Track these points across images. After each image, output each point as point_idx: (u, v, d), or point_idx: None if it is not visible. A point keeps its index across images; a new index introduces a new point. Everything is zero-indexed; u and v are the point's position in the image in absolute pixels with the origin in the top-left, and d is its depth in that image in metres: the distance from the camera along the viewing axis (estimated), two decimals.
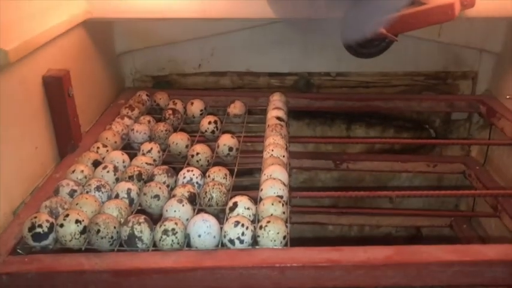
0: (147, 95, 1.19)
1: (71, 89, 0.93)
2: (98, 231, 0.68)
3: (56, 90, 0.90)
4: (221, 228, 0.69)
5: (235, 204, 0.72)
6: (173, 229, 0.68)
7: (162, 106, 1.17)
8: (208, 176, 0.83)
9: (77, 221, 0.70)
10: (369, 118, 1.38)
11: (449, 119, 1.37)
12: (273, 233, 0.67)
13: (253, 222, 0.71)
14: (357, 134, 1.39)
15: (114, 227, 0.69)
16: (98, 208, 0.74)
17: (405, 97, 1.26)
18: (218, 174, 0.82)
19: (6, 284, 0.65)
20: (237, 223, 0.67)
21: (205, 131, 1.04)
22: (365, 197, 0.93)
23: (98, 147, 0.92)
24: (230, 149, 0.94)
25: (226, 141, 0.95)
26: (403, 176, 1.44)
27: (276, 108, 1.08)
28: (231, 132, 1.00)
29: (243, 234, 0.67)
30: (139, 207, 0.78)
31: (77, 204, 0.74)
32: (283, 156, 0.89)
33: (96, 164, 0.87)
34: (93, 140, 0.98)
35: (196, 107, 1.13)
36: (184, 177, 0.82)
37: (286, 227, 0.68)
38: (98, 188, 0.78)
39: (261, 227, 0.68)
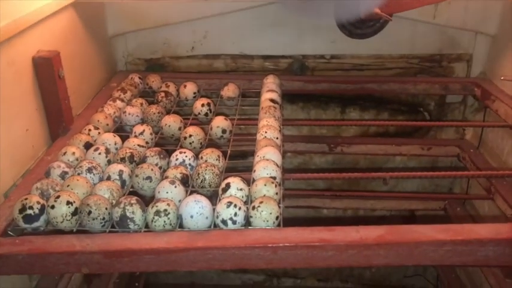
0: (139, 77, 1.18)
1: (62, 70, 0.92)
2: (90, 212, 0.68)
3: (46, 72, 0.89)
4: (214, 209, 0.69)
5: (228, 185, 0.72)
6: (165, 210, 0.67)
7: (155, 89, 1.16)
8: (201, 158, 0.82)
9: (68, 203, 0.69)
10: (363, 101, 1.37)
11: (443, 101, 1.37)
12: (266, 214, 0.66)
13: (246, 203, 0.71)
14: (352, 118, 1.39)
15: (106, 208, 0.69)
16: (89, 190, 0.74)
17: (400, 80, 1.25)
18: (211, 156, 0.82)
19: None
20: (229, 204, 0.67)
21: (199, 113, 1.03)
22: (359, 178, 0.93)
23: (90, 130, 0.91)
24: (223, 131, 0.94)
25: (219, 124, 0.94)
26: (398, 159, 1.44)
27: (269, 90, 1.07)
28: (225, 115, 0.99)
29: (235, 214, 0.67)
30: (131, 189, 0.78)
31: (68, 186, 0.73)
32: (277, 138, 0.89)
33: (87, 146, 0.86)
34: (85, 122, 0.97)
35: (189, 89, 1.12)
36: (176, 159, 0.82)
37: (279, 207, 0.68)
38: (89, 170, 0.78)
39: (253, 208, 0.67)
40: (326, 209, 1.45)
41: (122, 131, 0.99)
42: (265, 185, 0.71)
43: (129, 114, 0.99)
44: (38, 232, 0.69)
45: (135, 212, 0.68)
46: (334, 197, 1.35)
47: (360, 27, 0.96)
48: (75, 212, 0.69)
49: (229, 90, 1.11)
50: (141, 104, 1.05)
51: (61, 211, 0.68)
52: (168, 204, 0.68)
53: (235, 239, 0.64)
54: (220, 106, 1.11)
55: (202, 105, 1.03)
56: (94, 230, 0.68)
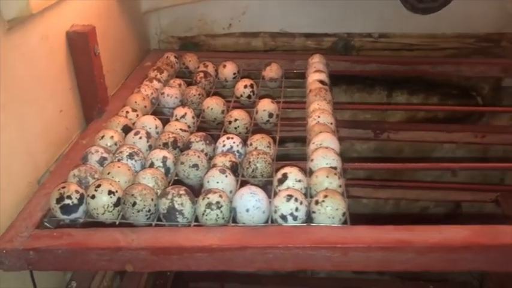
0: (175, 56, 1.10)
1: (97, 47, 0.85)
2: (134, 203, 0.61)
3: (81, 48, 0.82)
4: (270, 202, 0.62)
5: (285, 176, 0.65)
6: (218, 202, 0.60)
7: (192, 69, 1.09)
8: (250, 145, 0.75)
9: (110, 192, 0.62)
10: (412, 84, 1.28)
11: (499, 85, 1.26)
12: (331, 209, 0.59)
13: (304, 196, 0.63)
14: (398, 102, 1.29)
15: (152, 199, 0.62)
16: (131, 178, 0.67)
17: (455, 61, 1.15)
18: (261, 142, 0.74)
19: (34, 260, 0.59)
20: (289, 197, 0.60)
21: (241, 95, 0.95)
22: (421, 169, 0.84)
23: (127, 112, 0.84)
24: (270, 115, 0.86)
25: (266, 107, 0.86)
26: (446, 147, 1.34)
27: (317, 71, 0.99)
28: (269, 97, 0.91)
29: (296, 209, 0.59)
30: (175, 178, 0.71)
31: (108, 173, 0.67)
32: (331, 124, 0.81)
33: (126, 129, 0.79)
34: (121, 104, 0.90)
35: (229, 70, 1.04)
36: (224, 145, 0.74)
37: (345, 202, 0.61)
38: (130, 156, 0.71)
39: (317, 202, 0.60)
40: (367, 198, 1.37)
41: (159, 113, 0.92)
42: (327, 176, 0.64)
43: (167, 95, 0.92)
44: (76, 224, 0.63)
45: (184, 204, 0.61)
46: (377, 187, 1.27)
47: (424, 1, 0.87)
48: (117, 203, 0.63)
49: (272, 71, 1.03)
50: (179, 85, 0.97)
51: (102, 201, 0.62)
52: (221, 196, 0.61)
53: (299, 238, 0.57)
54: (262, 87, 1.03)
55: (245, 86, 0.95)
56: (139, 223, 0.62)
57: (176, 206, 0.61)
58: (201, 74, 1.00)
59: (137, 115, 0.84)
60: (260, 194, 0.60)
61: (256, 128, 0.86)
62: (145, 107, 0.89)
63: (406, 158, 1.34)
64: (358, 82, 1.27)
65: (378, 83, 1.27)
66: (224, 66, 1.04)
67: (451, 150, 1.35)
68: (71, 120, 0.84)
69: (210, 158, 0.75)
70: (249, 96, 0.95)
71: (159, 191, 0.66)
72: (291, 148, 0.83)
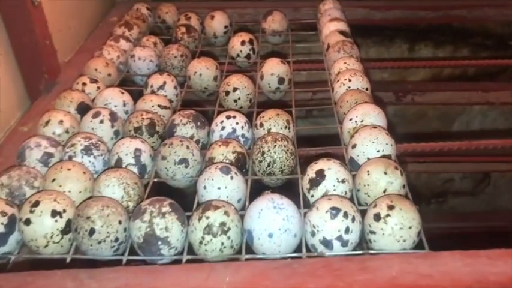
0: (147, 8, 0.86)
1: None
2: (92, 231, 0.39)
3: None
4: (303, 215, 0.40)
5: (321, 175, 0.43)
6: (223, 224, 0.39)
7: (170, 23, 0.85)
8: (261, 125, 0.52)
9: (55, 213, 0.40)
10: (438, 35, 1.05)
11: None
12: (401, 228, 0.38)
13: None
14: (422, 56, 1.08)
15: (120, 222, 0.40)
16: (88, 186, 0.45)
17: (499, 3, 0.93)
18: (276, 121, 0.52)
19: None
20: (335, 211, 0.38)
21: (237, 55, 0.72)
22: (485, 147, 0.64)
23: (84, 83, 0.61)
24: (280, 80, 0.64)
25: (274, 69, 0.64)
26: (475, 109, 1.14)
27: (334, 19, 0.76)
28: (276, 56, 0.68)
29: (347, 230, 0.38)
30: (155, 179, 0.49)
31: (53, 180, 0.44)
32: (366, 89, 0.59)
33: (82, 109, 0.56)
34: (77, 73, 0.67)
35: (218, 22, 0.80)
36: (222, 128, 0.52)
37: (418, 213, 0.39)
38: (87, 150, 0.48)
39: (377, 217, 0.38)
40: None
41: (130, 83, 0.70)
42: (385, 172, 0.42)
43: (139, 59, 0.69)
44: (5, 263, 0.41)
45: (169, 227, 0.39)
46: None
47: None
48: (67, 229, 0.41)
49: (275, 22, 0.80)
50: (155, 44, 0.74)
51: (43, 228, 0.40)
52: (227, 213, 0.39)
53: (354, 276, 0.36)
54: (262, 44, 0.80)
55: (243, 43, 0.72)
56: (101, 258, 0.40)
57: (158, 231, 0.39)
58: (183, 29, 0.77)
59: (98, 88, 0.61)
60: (289, 207, 0.39)
61: (262, 100, 0.64)
62: (109, 75, 0.65)
63: (430, 123, 1.14)
64: (375, 33, 1.04)
65: (398, 34, 1.05)
66: (212, 17, 0.81)
67: (481, 112, 1.15)
68: (6, 99, 0.61)
69: (204, 147, 0.53)
70: (248, 56, 0.72)
71: (131, 203, 0.44)
72: (315, 127, 0.61)
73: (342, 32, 0.71)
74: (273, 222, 0.38)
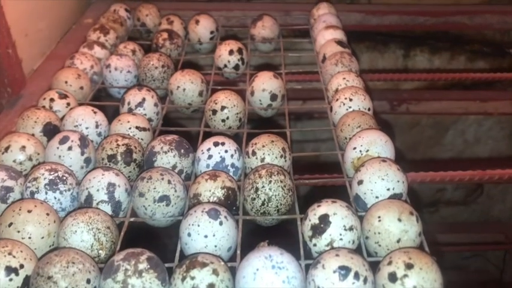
0: (126, 9, 0.78)
1: None
2: None
3: None
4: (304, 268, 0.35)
5: (326, 221, 0.37)
6: (211, 285, 0.33)
7: (151, 27, 0.78)
8: (253, 154, 0.46)
9: (9, 270, 0.34)
10: (435, 41, 1.00)
11: None
12: None
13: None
14: (417, 63, 1.03)
15: (88, 281, 0.34)
16: (53, 229, 0.38)
17: (500, 9, 0.88)
18: (271, 149, 0.46)
19: None
20: (344, 272, 0.32)
21: (225, 65, 0.65)
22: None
23: (52, 99, 0.54)
24: (273, 97, 0.57)
25: (266, 84, 0.57)
26: (470, 118, 1.10)
27: (329, 27, 0.70)
28: (270, 68, 0.62)
29: None
30: (131, 219, 0.42)
31: (10, 224, 0.38)
32: (369, 110, 0.53)
33: (49, 131, 0.49)
34: (45, 85, 0.60)
35: (204, 27, 0.74)
36: (209, 156, 0.46)
37: (440, 273, 0.34)
38: (52, 185, 0.41)
39: (393, 277, 0.33)
40: None
41: (105, 97, 0.63)
42: (399, 219, 0.37)
43: (115, 69, 0.62)
44: None
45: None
46: None
47: None
48: None
49: (265, 28, 0.74)
50: (133, 52, 0.67)
51: None
52: (215, 272, 0.33)
53: None
54: (251, 53, 0.73)
55: (231, 52, 0.65)
56: None
57: None
58: (164, 35, 0.70)
59: (68, 104, 0.54)
60: (290, 266, 0.33)
61: (252, 118, 0.58)
62: (81, 88, 0.58)
63: (423, 132, 1.10)
64: (368, 38, 0.99)
65: (393, 40, 1.00)
66: (196, 21, 0.74)
67: (476, 121, 1.11)
68: None
69: (188, 178, 0.46)
70: (236, 67, 0.65)
71: (103, 252, 0.38)
72: (309, 154, 0.55)
73: (339, 42, 0.65)
74: (272, 286, 0.32)
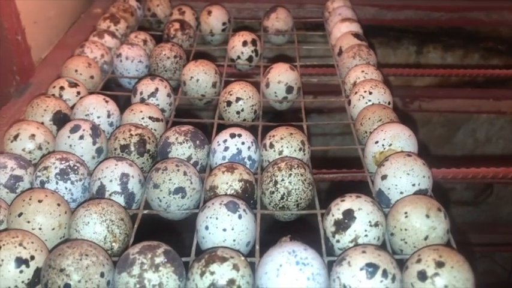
0: (136, 0, 0.77)
1: None
2: (67, 287, 0.31)
3: None
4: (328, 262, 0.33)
5: (350, 216, 0.35)
6: (231, 281, 0.31)
7: (161, 17, 0.76)
8: (271, 147, 0.45)
9: (20, 261, 0.32)
10: (448, 38, 0.99)
11: None
12: None
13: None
14: (430, 60, 1.01)
15: (102, 275, 0.32)
16: (64, 220, 0.37)
17: None
18: (290, 142, 0.44)
19: None
20: (372, 269, 0.31)
21: (238, 57, 0.64)
22: None
23: (62, 88, 0.52)
24: (289, 89, 0.56)
25: (281, 76, 0.56)
26: (482, 116, 1.08)
27: (346, 19, 0.68)
28: (283, 61, 0.60)
29: None
30: (145, 211, 0.41)
31: (20, 214, 0.36)
32: (389, 103, 0.52)
33: (59, 120, 0.48)
34: (54, 73, 0.59)
35: (216, 18, 0.72)
36: (225, 148, 0.44)
37: (472, 272, 0.32)
38: (63, 175, 0.40)
39: (423, 276, 0.31)
40: None
41: (115, 87, 0.61)
42: (427, 215, 0.35)
43: (126, 58, 0.60)
44: None
45: (164, 283, 0.31)
46: None
47: None
48: (35, 280, 0.33)
49: (279, 20, 0.72)
50: (144, 42, 0.65)
51: (5, 280, 0.32)
52: (236, 267, 0.32)
53: None
54: (264, 45, 0.72)
55: (244, 43, 0.64)
56: None
57: None
58: (176, 25, 0.68)
59: (78, 93, 0.52)
60: (314, 262, 0.31)
61: (266, 110, 0.57)
62: (91, 77, 0.57)
63: (434, 131, 1.08)
64: (382, 34, 0.97)
65: (405, 36, 0.98)
66: (209, 12, 0.72)
67: (488, 120, 1.09)
68: None
69: (203, 170, 0.45)
70: (249, 59, 0.64)
71: (116, 244, 0.36)
72: (328, 147, 0.53)
73: (356, 35, 0.64)
74: (296, 283, 0.30)
